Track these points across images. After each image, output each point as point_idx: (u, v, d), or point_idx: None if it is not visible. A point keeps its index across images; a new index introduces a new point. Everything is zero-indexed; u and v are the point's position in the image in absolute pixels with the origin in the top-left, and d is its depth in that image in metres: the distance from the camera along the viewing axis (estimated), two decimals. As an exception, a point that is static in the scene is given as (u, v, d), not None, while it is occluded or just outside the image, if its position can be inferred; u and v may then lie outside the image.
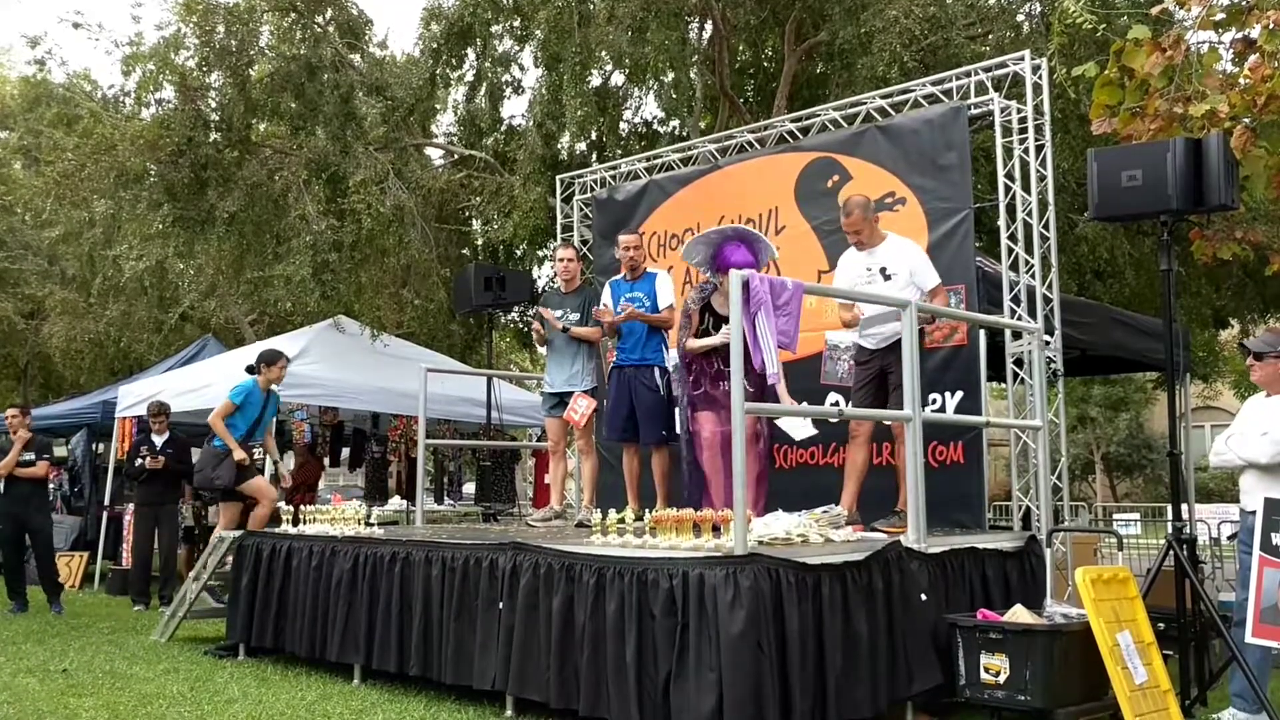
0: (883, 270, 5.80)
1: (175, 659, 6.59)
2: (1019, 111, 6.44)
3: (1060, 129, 8.46)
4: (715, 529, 4.87)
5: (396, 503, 11.17)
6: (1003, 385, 6.60)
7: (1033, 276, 6.31)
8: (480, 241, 13.65)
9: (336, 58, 11.44)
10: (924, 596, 4.68)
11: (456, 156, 13.10)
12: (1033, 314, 6.24)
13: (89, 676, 5.99)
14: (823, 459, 7.01)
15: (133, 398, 11.03)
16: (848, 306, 5.98)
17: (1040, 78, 6.40)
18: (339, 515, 6.62)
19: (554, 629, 4.68)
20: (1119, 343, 7.80)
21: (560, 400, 6.90)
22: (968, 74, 6.67)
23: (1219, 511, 11.76)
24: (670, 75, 11.52)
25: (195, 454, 11.70)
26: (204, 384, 10.32)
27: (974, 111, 6.56)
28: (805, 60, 11.61)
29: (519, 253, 13.08)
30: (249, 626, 6.63)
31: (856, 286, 5.86)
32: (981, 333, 6.27)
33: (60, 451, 9.78)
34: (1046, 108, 6.44)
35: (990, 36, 10.62)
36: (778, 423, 6.26)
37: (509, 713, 4.92)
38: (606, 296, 6.81)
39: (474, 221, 13.25)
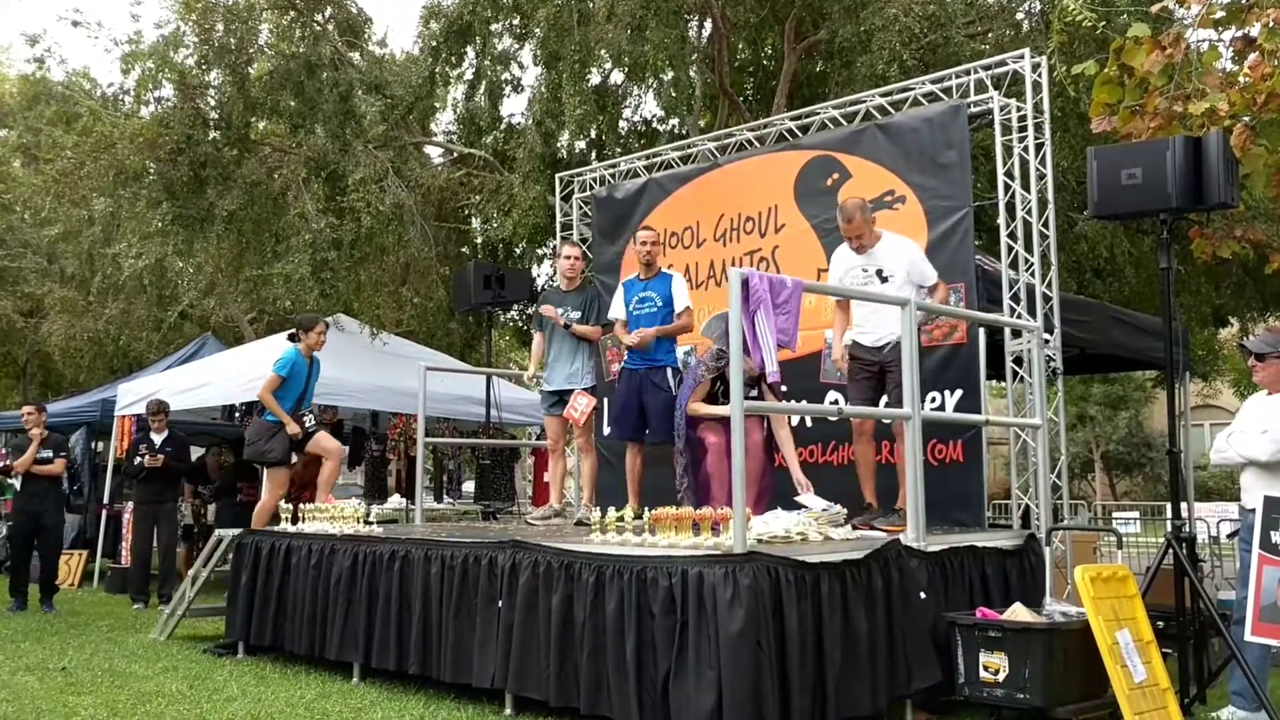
0: (879, 272, 5.79)
1: (174, 657, 6.58)
2: (1018, 110, 6.44)
3: (1060, 127, 8.45)
4: (715, 528, 4.87)
5: (396, 501, 11.16)
6: (1002, 383, 6.60)
7: (1032, 275, 6.31)
8: (479, 240, 13.65)
9: (336, 56, 11.43)
10: (923, 595, 4.68)
11: (456, 155, 13.10)
12: (1032, 312, 6.24)
13: (88, 675, 5.99)
14: (822, 458, 7.01)
15: (132, 396, 11.03)
16: (843, 306, 5.97)
17: (1040, 76, 6.40)
18: (338, 514, 6.63)
19: (553, 627, 4.67)
20: (1118, 341, 7.80)
21: (560, 398, 6.89)
22: (967, 72, 6.67)
23: (1218, 510, 11.75)
24: (670, 73, 11.53)
25: (195, 453, 11.81)
26: (203, 382, 10.32)
27: (973, 110, 6.55)
28: (805, 58, 11.60)
29: (518, 251, 13.08)
30: (248, 625, 6.63)
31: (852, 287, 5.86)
32: (981, 331, 6.27)
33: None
34: (1046, 106, 6.44)
35: (990, 35, 10.63)
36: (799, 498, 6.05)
37: (508, 711, 4.92)
38: (620, 296, 6.79)
39: (473, 220, 13.25)
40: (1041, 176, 6.40)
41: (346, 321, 11.69)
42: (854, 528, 5.42)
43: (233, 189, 11.24)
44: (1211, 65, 5.97)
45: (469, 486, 13.87)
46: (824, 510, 5.38)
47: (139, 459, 9.52)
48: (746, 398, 4.97)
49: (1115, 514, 17.46)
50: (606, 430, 8.01)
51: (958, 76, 6.72)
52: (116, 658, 6.55)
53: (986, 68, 6.59)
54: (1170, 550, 5.05)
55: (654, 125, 13.73)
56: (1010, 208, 6.43)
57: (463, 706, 5.12)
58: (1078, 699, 4.37)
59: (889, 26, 9.13)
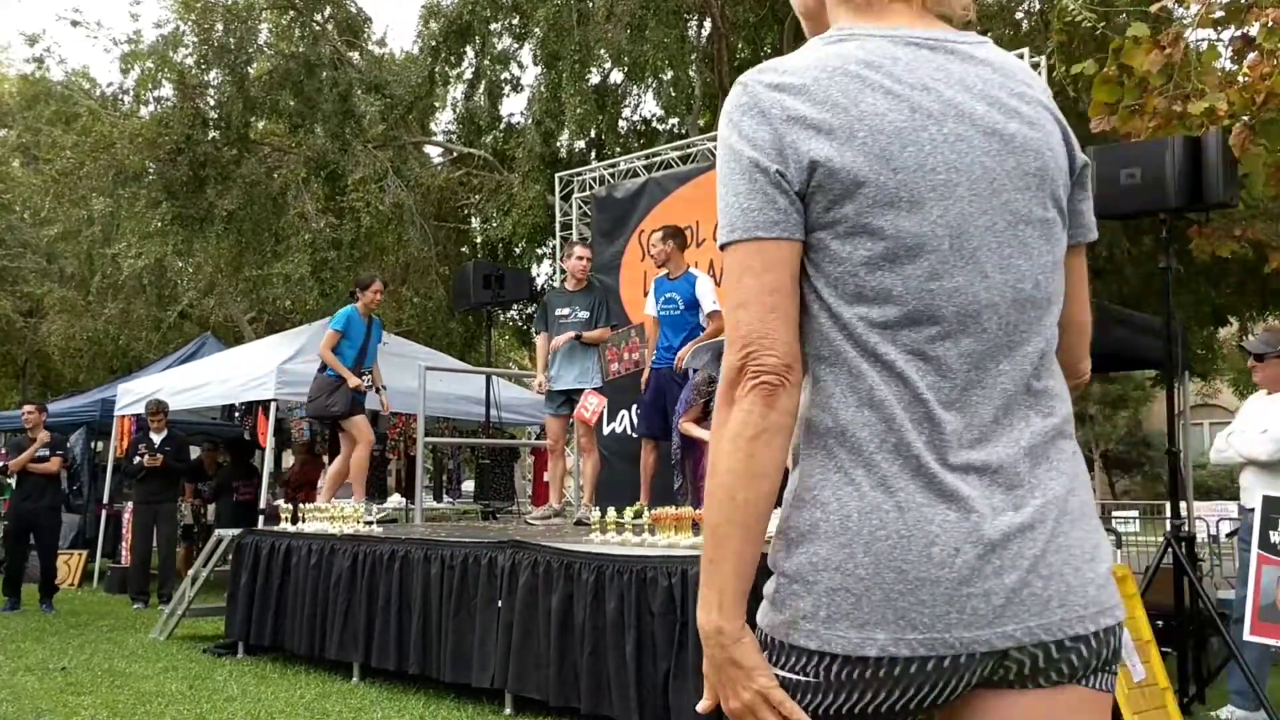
0: None
1: (174, 657, 6.59)
2: (1018, 109, 6.43)
3: (1059, 127, 8.44)
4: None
5: (396, 500, 11.16)
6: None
7: (1032, 274, 6.30)
8: (479, 239, 13.66)
9: (335, 55, 11.45)
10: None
11: (455, 154, 13.10)
12: (1032, 312, 6.23)
13: (88, 674, 5.99)
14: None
15: (131, 396, 11.02)
16: None
17: (1039, 75, 6.39)
18: (338, 514, 6.62)
19: (553, 627, 4.67)
20: (1118, 340, 7.79)
21: (567, 398, 6.85)
22: (967, 72, 6.66)
23: (1217, 509, 11.77)
24: (669, 73, 11.54)
25: (194, 452, 11.81)
26: (202, 382, 10.31)
27: (973, 109, 6.54)
28: (804, 58, 11.59)
29: (518, 250, 13.08)
30: (248, 624, 6.63)
31: None
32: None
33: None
34: (1045, 105, 6.43)
35: (989, 34, 10.60)
36: None
37: (508, 710, 4.92)
38: (651, 295, 6.78)
39: (473, 219, 13.26)
40: (1041, 176, 6.39)
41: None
42: None
43: (232, 189, 11.25)
44: (1211, 65, 5.97)
45: (469, 486, 13.87)
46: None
47: (138, 459, 9.51)
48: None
49: (1114, 513, 17.47)
50: (607, 430, 8.01)
51: (957, 76, 6.71)
52: (116, 658, 6.55)
53: (986, 67, 6.58)
54: (1169, 549, 5.05)
55: (653, 125, 13.73)
56: (1010, 207, 6.42)
57: (462, 706, 5.12)
58: (1077, 698, 4.36)
59: (888, 26, 9.13)
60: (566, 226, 9.18)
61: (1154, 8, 6.22)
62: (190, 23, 11.36)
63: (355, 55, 12.01)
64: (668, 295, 6.56)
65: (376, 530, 6.45)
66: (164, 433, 9.71)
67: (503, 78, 12.82)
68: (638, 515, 5.10)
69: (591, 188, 9.06)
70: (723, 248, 1.17)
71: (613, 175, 8.91)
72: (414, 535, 5.97)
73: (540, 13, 10.42)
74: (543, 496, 8.89)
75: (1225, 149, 5.10)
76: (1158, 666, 4.46)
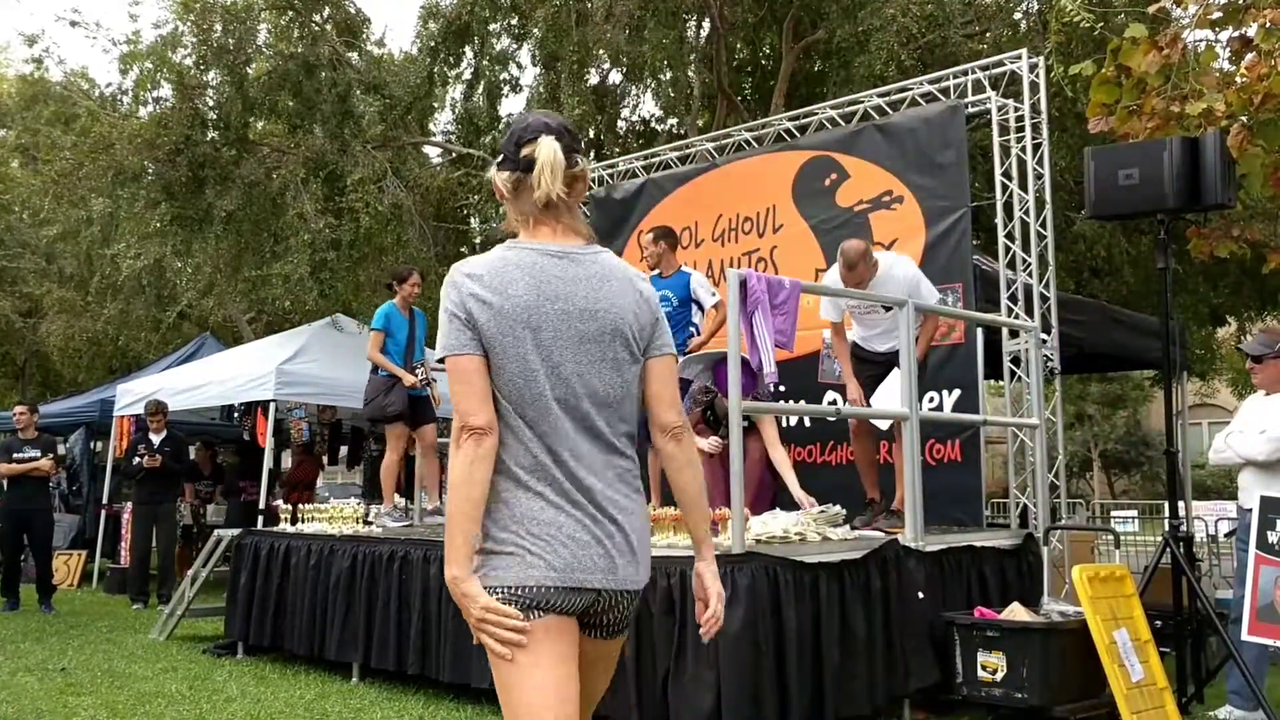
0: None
1: (174, 657, 6.59)
2: (1016, 110, 6.45)
3: (1057, 127, 8.47)
4: (713, 528, 4.87)
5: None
6: (1000, 383, 6.61)
7: (1030, 275, 6.32)
8: (478, 239, 13.66)
9: (334, 56, 11.44)
10: (921, 594, 4.69)
11: (454, 155, 13.10)
12: (1030, 312, 6.25)
13: (87, 675, 5.99)
14: (820, 457, 7.02)
15: (131, 396, 11.03)
16: (839, 332, 5.91)
17: (1037, 76, 6.40)
18: (338, 514, 6.63)
19: (552, 627, 4.67)
20: (1116, 340, 7.81)
21: None
22: (965, 72, 6.68)
23: (1216, 509, 11.78)
24: (668, 74, 11.55)
25: (193, 452, 11.81)
26: (202, 382, 10.32)
27: (971, 110, 6.56)
28: (803, 58, 11.61)
29: (517, 251, 13.06)
30: (247, 625, 6.63)
31: (853, 314, 5.85)
32: (979, 331, 6.28)
33: (59, 450, 9.79)
34: (1044, 106, 6.45)
35: (988, 35, 10.64)
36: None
37: (507, 711, 4.92)
38: None
39: (472, 219, 13.27)
40: (1039, 177, 6.41)
41: (345, 321, 11.67)
42: (853, 527, 5.42)
43: (231, 189, 11.24)
44: (1209, 65, 5.97)
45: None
46: (822, 511, 5.38)
47: (137, 459, 9.51)
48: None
49: (1113, 513, 17.49)
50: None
51: (955, 77, 6.73)
52: (116, 658, 6.56)
53: (984, 68, 6.60)
54: (1168, 549, 5.06)
55: (652, 125, 13.74)
56: (1008, 208, 6.44)
57: (461, 706, 5.13)
58: (1075, 698, 4.38)
59: (887, 26, 9.15)
60: (565, 227, 9.17)
61: (1152, 8, 6.22)
62: (189, 23, 11.35)
63: (354, 56, 12.00)
64: (662, 294, 6.57)
65: (376, 531, 6.46)
66: (163, 433, 9.71)
67: (501, 78, 12.81)
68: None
69: (590, 188, 9.06)
70: (440, 361, 2.04)
71: (611, 175, 8.92)
72: (414, 535, 5.97)
73: (539, 13, 10.42)
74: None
75: (1223, 150, 5.10)
76: (1156, 666, 4.47)
